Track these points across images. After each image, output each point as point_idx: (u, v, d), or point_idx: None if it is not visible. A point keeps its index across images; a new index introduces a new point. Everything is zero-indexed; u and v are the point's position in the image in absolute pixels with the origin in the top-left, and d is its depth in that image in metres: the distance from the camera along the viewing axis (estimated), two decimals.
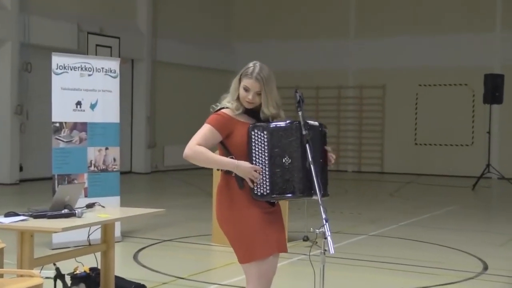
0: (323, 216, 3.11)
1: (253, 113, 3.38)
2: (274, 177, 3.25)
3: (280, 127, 3.28)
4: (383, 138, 18.48)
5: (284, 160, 3.25)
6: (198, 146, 3.26)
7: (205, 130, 3.31)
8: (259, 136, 3.27)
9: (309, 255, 3.47)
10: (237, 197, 3.32)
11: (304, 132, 3.24)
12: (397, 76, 18.05)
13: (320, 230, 3.10)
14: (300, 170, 3.22)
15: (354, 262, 6.65)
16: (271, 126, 3.29)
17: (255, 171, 3.25)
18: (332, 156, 3.41)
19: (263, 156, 3.27)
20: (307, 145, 3.22)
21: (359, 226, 9.04)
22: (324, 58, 18.75)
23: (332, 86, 18.87)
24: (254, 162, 3.27)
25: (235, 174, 3.28)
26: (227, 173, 3.35)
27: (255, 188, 3.27)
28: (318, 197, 3.17)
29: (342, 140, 18.88)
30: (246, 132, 3.29)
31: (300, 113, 3.31)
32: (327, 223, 3.09)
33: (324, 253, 3.17)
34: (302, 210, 7.95)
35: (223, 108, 3.37)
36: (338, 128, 18.83)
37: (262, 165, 3.26)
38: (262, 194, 3.28)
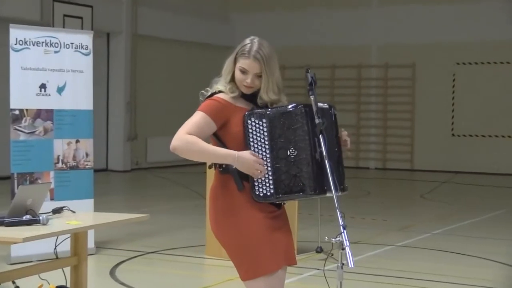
0: (341, 222, 3.11)
1: (251, 96, 3.39)
2: (277, 173, 3.26)
3: (282, 112, 3.29)
4: (413, 128, 18.47)
5: (288, 152, 3.26)
6: (188, 136, 3.26)
7: (198, 118, 3.31)
8: (257, 125, 3.29)
9: (324, 269, 3.48)
10: (235, 201, 3.33)
11: (317, 121, 3.24)
12: (430, 52, 18.01)
13: (337, 239, 3.11)
14: (308, 164, 3.24)
15: (378, 278, 6.65)
16: (271, 112, 3.30)
17: (259, 164, 3.25)
18: (347, 139, 3.42)
19: (263, 149, 3.29)
20: (321, 136, 3.22)
21: (383, 234, 9.05)
22: (341, 31, 18.72)
23: (351, 65, 18.85)
24: None
25: (233, 172, 3.28)
26: (223, 172, 3.35)
27: (257, 188, 3.28)
28: (333, 195, 3.17)
29: (363, 131, 18.87)
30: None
31: (312, 97, 3.31)
32: (345, 231, 3.09)
33: (342, 267, 3.18)
34: (314, 215, 7.96)
35: (216, 93, 3.38)
36: (358, 116, 18.83)
37: (264, 159, 3.28)
38: (265, 194, 3.28)
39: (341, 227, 3.10)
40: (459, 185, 15.36)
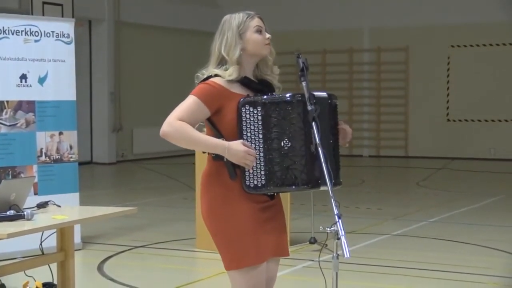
0: (335, 211, 3.12)
1: (247, 82, 3.38)
2: (270, 164, 3.28)
3: (278, 101, 3.29)
4: (407, 114, 18.52)
5: (282, 144, 3.27)
6: (179, 122, 3.26)
7: (190, 102, 3.30)
8: (251, 113, 3.29)
9: (319, 260, 3.50)
10: (227, 190, 3.34)
11: (309, 108, 3.24)
12: (424, 35, 18.03)
13: (332, 229, 3.12)
14: (303, 156, 3.25)
15: (374, 268, 6.69)
16: (266, 99, 3.30)
17: (250, 155, 3.26)
18: (348, 131, 3.45)
19: (257, 138, 3.29)
20: (313, 124, 3.23)
21: (379, 224, 9.09)
22: (331, 14, 18.71)
23: (343, 50, 18.85)
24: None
25: (226, 161, 3.29)
26: (215, 158, 3.35)
27: (247, 179, 3.29)
28: (328, 187, 3.18)
29: (356, 118, 18.89)
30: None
31: (304, 83, 3.32)
32: (340, 220, 3.11)
33: (337, 258, 3.19)
34: (307, 205, 7.98)
35: (211, 76, 3.36)
36: (350, 102, 18.85)
37: (256, 149, 3.29)
38: (256, 185, 3.30)
39: (336, 216, 3.11)
40: (455, 172, 15.42)
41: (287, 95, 3.30)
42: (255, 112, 3.28)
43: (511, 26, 17.13)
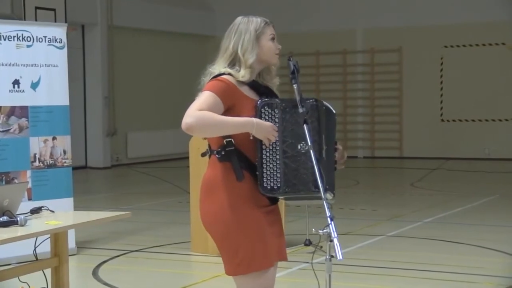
0: (328, 214, 3.13)
1: (255, 86, 3.41)
2: (286, 167, 3.30)
3: (294, 105, 3.33)
4: (401, 115, 18.54)
5: (299, 147, 3.30)
6: (200, 111, 3.21)
7: (206, 96, 3.28)
8: (270, 115, 3.32)
9: (312, 262, 3.51)
10: (234, 193, 3.34)
11: (301, 110, 3.27)
12: (417, 35, 18.07)
13: (325, 231, 3.13)
14: (317, 160, 3.26)
15: (368, 269, 6.69)
16: (284, 103, 3.34)
17: (274, 130, 3.29)
18: (344, 154, 3.50)
19: (275, 140, 3.32)
20: (305, 126, 3.26)
21: (373, 225, 9.10)
22: (325, 16, 18.73)
23: (336, 51, 18.87)
24: (263, 148, 3.30)
25: (234, 161, 3.29)
26: (222, 159, 3.34)
27: (265, 180, 3.30)
28: (319, 186, 3.19)
29: (350, 119, 18.91)
30: (251, 109, 3.32)
31: (295, 86, 3.35)
32: (332, 222, 3.12)
33: (330, 260, 3.20)
34: (302, 207, 7.99)
35: (223, 74, 3.36)
36: (344, 103, 18.86)
37: (273, 151, 3.31)
38: (272, 187, 3.31)
39: (328, 218, 3.12)
40: (449, 172, 15.44)
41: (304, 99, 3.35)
42: (273, 114, 3.32)
43: (504, 25, 17.18)
